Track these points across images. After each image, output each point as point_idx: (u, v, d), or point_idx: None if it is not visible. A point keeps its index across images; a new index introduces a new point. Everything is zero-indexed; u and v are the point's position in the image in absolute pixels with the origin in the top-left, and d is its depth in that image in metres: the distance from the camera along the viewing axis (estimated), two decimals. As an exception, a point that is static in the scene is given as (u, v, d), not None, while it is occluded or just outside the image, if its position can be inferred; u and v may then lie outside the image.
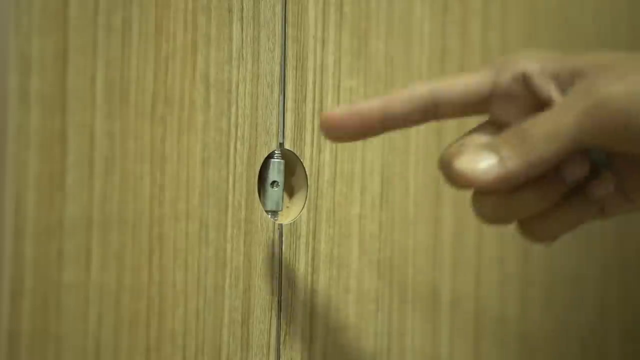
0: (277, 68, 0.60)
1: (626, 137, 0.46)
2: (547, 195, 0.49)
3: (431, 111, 0.51)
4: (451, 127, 0.69)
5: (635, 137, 0.46)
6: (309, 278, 0.62)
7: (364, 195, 0.64)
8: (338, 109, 0.51)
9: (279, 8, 0.60)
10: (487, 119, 0.52)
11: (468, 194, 0.69)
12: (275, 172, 0.60)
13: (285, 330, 0.60)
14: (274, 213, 0.60)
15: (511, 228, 0.70)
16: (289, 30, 0.61)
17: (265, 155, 0.60)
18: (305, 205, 0.62)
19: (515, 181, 0.47)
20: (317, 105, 0.62)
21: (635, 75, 0.47)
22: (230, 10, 0.58)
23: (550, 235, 0.51)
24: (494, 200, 0.49)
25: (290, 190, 0.62)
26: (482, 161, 0.47)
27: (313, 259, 0.62)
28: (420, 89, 0.51)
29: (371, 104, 0.51)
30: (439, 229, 0.68)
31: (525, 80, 0.50)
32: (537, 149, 0.47)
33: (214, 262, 0.57)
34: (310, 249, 0.62)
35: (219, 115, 0.58)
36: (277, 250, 0.60)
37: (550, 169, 0.48)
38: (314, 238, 0.62)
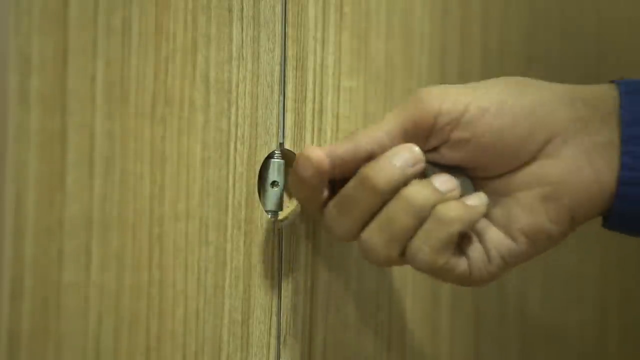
0: (277, 68, 0.60)
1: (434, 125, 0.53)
2: (379, 187, 0.53)
3: None
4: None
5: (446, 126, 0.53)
6: (309, 278, 0.62)
7: (364, 195, 0.64)
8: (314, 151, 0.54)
9: (279, 8, 0.60)
10: None
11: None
12: (275, 172, 0.60)
13: (285, 330, 0.60)
14: (274, 213, 0.60)
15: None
16: (289, 30, 0.61)
17: (265, 155, 0.60)
18: (305, 205, 0.62)
19: (333, 157, 0.53)
20: (317, 105, 0.62)
21: (451, 85, 0.55)
22: (230, 10, 0.58)
23: (384, 253, 0.54)
24: (333, 204, 0.55)
25: (290, 190, 0.62)
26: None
27: (313, 259, 0.62)
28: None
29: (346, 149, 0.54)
30: (439, 228, 0.68)
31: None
32: (355, 136, 0.54)
33: (214, 262, 0.57)
34: (310, 249, 0.62)
35: (219, 115, 0.58)
36: (277, 250, 0.60)
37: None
38: (314, 238, 0.62)
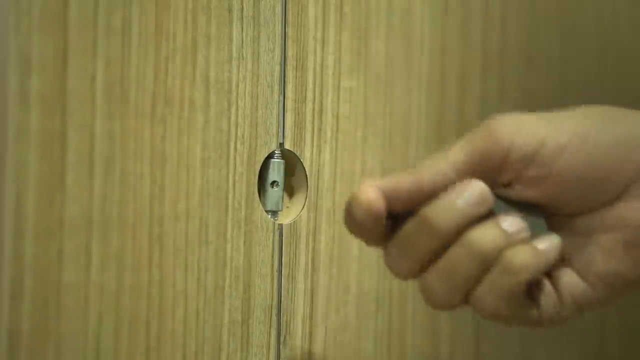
0: (277, 68, 0.60)
1: (508, 162, 0.48)
2: (441, 230, 0.48)
3: None
4: (451, 127, 0.69)
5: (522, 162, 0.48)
6: (309, 278, 0.62)
7: (364, 195, 0.64)
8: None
9: (279, 8, 0.60)
10: None
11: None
12: (275, 172, 0.60)
13: (285, 330, 0.60)
14: (274, 213, 0.60)
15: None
16: (289, 30, 0.61)
17: (265, 155, 0.60)
18: (305, 205, 0.62)
19: (393, 194, 0.48)
20: (317, 105, 0.62)
21: (525, 115, 0.49)
22: (230, 10, 0.58)
23: (447, 298, 0.49)
24: (393, 242, 0.50)
25: (290, 190, 0.62)
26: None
27: (313, 259, 0.62)
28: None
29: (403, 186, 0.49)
30: (439, 229, 0.68)
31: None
32: (419, 169, 0.49)
33: (214, 262, 0.57)
34: (310, 249, 0.62)
35: (219, 115, 0.58)
36: (277, 250, 0.60)
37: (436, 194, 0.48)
38: (314, 238, 0.62)
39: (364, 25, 0.64)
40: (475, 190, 0.48)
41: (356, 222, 0.49)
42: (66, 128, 0.52)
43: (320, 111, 0.62)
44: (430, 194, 0.48)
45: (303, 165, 0.61)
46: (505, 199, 0.49)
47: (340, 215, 0.63)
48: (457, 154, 0.48)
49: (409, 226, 0.49)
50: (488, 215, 0.48)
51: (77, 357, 0.52)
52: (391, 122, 0.66)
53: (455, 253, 0.48)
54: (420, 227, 0.48)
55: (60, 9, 0.52)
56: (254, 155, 0.59)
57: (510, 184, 0.49)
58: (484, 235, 0.47)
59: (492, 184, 0.48)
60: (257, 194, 0.59)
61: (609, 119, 0.50)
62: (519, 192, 0.49)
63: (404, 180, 0.49)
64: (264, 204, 0.60)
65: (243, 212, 0.59)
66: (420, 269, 0.49)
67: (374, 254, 0.65)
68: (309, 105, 0.62)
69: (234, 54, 0.58)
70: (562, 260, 0.50)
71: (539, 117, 0.49)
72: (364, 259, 0.64)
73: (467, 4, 0.70)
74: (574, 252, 0.50)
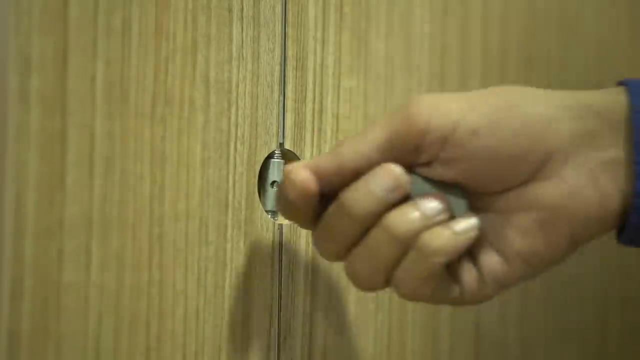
0: (277, 68, 0.60)
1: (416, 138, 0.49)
2: (359, 215, 0.49)
3: None
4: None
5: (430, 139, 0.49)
6: (309, 278, 0.62)
7: (364, 195, 0.64)
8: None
9: (279, 8, 0.60)
10: None
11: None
12: (275, 172, 0.60)
13: (285, 330, 0.60)
14: (274, 213, 0.60)
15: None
16: (289, 30, 0.61)
17: (265, 155, 0.60)
18: (305, 205, 0.62)
19: (318, 175, 0.50)
20: (317, 105, 0.62)
21: (441, 96, 0.50)
22: (230, 10, 0.58)
23: (369, 280, 0.51)
24: (319, 227, 0.51)
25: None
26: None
27: (313, 259, 0.62)
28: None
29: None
30: (439, 229, 0.68)
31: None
32: (340, 150, 0.50)
33: (214, 262, 0.57)
34: (310, 249, 0.62)
35: (219, 115, 0.58)
36: (277, 250, 0.60)
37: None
38: (314, 238, 0.62)
39: (364, 25, 0.64)
40: (390, 176, 0.49)
41: (289, 202, 0.50)
42: (66, 128, 0.52)
43: (320, 111, 0.62)
44: (352, 175, 0.50)
45: (303, 165, 0.61)
46: (428, 178, 0.50)
47: (340, 215, 0.63)
48: (377, 135, 0.50)
49: (330, 211, 0.50)
50: (408, 196, 0.50)
51: (77, 357, 0.52)
52: (391, 122, 0.65)
53: (375, 237, 0.49)
54: (340, 212, 0.50)
55: (60, 8, 0.52)
56: (254, 155, 0.59)
57: (429, 163, 0.50)
58: (402, 219, 0.49)
59: (413, 163, 0.50)
60: (257, 194, 0.59)
61: (520, 100, 0.50)
62: (438, 171, 0.50)
63: (326, 162, 0.50)
64: (264, 204, 0.60)
65: (243, 212, 0.59)
66: (344, 252, 0.51)
67: (374, 254, 0.65)
68: (309, 105, 0.62)
69: (234, 54, 0.58)
70: (482, 239, 0.51)
71: (454, 99, 0.50)
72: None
73: (467, 4, 0.70)
74: (493, 231, 0.51)
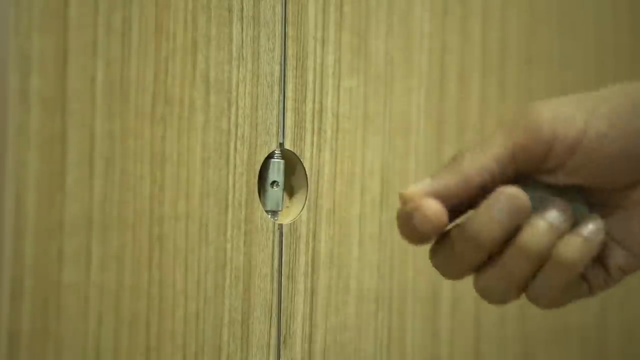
0: (277, 68, 0.60)
1: (540, 152, 0.48)
2: (485, 242, 0.49)
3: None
4: (451, 127, 0.69)
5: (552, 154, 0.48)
6: (309, 278, 0.62)
7: (364, 195, 0.64)
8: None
9: (279, 8, 0.60)
10: None
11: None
12: (275, 172, 0.60)
13: (285, 330, 0.60)
14: (274, 213, 0.60)
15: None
16: (289, 30, 0.61)
17: (265, 155, 0.60)
18: (305, 205, 0.62)
19: (444, 196, 0.49)
20: (317, 105, 0.62)
21: (561, 101, 0.49)
22: (230, 10, 0.58)
23: (504, 296, 0.50)
24: (439, 248, 0.50)
25: (290, 190, 0.62)
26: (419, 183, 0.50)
27: (313, 259, 0.62)
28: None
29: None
30: (439, 229, 0.68)
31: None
32: (463, 167, 0.49)
33: (214, 262, 0.57)
34: (310, 249, 0.61)
35: (219, 115, 0.58)
36: (277, 250, 0.60)
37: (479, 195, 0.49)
38: (314, 238, 0.62)
39: (364, 25, 0.64)
40: (512, 201, 0.48)
41: (417, 233, 0.49)
42: (66, 128, 0.52)
43: (320, 111, 0.62)
44: (477, 190, 0.49)
45: (303, 165, 0.61)
46: (545, 184, 0.50)
47: (340, 214, 0.63)
48: (498, 147, 0.49)
49: (453, 236, 0.49)
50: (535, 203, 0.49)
51: (77, 357, 0.52)
52: (391, 122, 0.66)
53: (509, 256, 0.49)
54: (464, 239, 0.49)
55: (60, 8, 0.52)
56: (254, 155, 0.59)
57: (553, 171, 0.49)
58: (533, 236, 0.48)
59: (535, 171, 0.49)
60: (257, 194, 0.59)
61: None
62: (561, 178, 0.50)
63: (449, 181, 0.49)
64: (264, 204, 0.60)
65: (243, 212, 0.59)
66: (468, 272, 0.50)
67: (374, 254, 0.65)
68: (309, 105, 0.62)
69: (234, 54, 0.58)
70: (605, 234, 0.51)
71: (575, 103, 0.50)
72: (364, 259, 0.64)
73: (467, 3, 0.70)
74: (616, 226, 0.51)
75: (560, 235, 0.49)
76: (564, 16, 0.76)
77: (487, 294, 0.51)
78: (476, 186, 0.49)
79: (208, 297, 0.57)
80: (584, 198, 0.51)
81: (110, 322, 0.53)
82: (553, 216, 0.49)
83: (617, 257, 0.51)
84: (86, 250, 0.53)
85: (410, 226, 0.49)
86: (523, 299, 0.75)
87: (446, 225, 0.49)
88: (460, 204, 0.49)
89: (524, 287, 0.50)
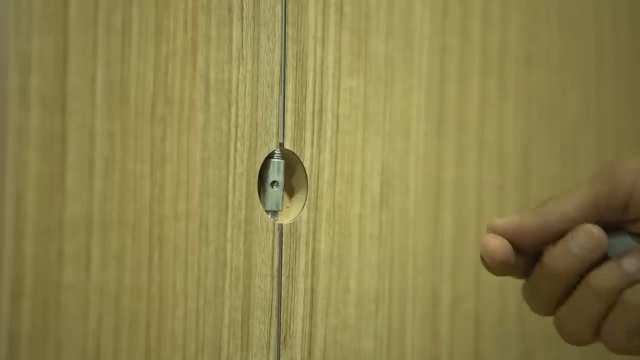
0: (277, 68, 0.60)
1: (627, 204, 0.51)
2: (560, 275, 0.52)
3: None
4: (451, 127, 0.69)
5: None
6: (309, 278, 0.62)
7: (364, 195, 0.64)
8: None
9: (279, 8, 0.60)
10: None
11: (468, 195, 0.70)
12: (275, 172, 0.60)
13: (285, 330, 0.60)
14: (274, 213, 0.60)
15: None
16: (289, 30, 0.61)
17: (265, 155, 0.60)
18: (305, 205, 0.62)
19: (521, 234, 0.52)
20: (317, 106, 0.62)
21: None
22: (230, 10, 0.58)
23: (578, 335, 0.53)
24: (526, 283, 0.54)
25: (290, 190, 0.62)
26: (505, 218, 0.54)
27: (313, 259, 0.62)
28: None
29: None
30: (439, 229, 0.68)
31: None
32: (544, 210, 0.52)
33: (214, 262, 0.57)
34: (310, 249, 0.62)
35: (219, 115, 0.58)
36: (277, 250, 0.60)
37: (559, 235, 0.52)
38: (314, 238, 0.62)
39: (364, 25, 0.64)
40: (589, 237, 0.51)
41: (488, 266, 0.53)
42: (66, 128, 0.52)
43: (320, 111, 0.62)
44: (555, 234, 0.52)
45: (303, 165, 0.61)
46: (629, 231, 0.53)
47: (340, 214, 0.63)
48: (582, 196, 0.52)
49: (535, 271, 0.53)
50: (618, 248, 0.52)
51: (77, 357, 0.52)
52: (391, 122, 0.66)
53: (579, 294, 0.52)
54: (542, 272, 0.52)
55: (60, 9, 0.52)
56: (254, 155, 0.59)
57: (635, 220, 0.52)
58: (605, 278, 0.51)
59: (620, 221, 0.52)
60: (257, 194, 0.59)
61: None
62: None
63: (531, 222, 0.52)
64: (264, 204, 0.60)
65: (243, 212, 0.59)
66: (551, 308, 0.53)
67: (374, 254, 0.65)
68: (309, 105, 0.62)
69: (234, 54, 0.58)
70: None
71: None
72: (364, 259, 0.64)
73: (467, 4, 0.70)
74: None
75: (631, 281, 0.51)
76: (563, 16, 0.76)
77: (563, 332, 0.54)
78: (557, 230, 0.52)
79: (208, 297, 0.57)
80: None
81: (110, 322, 0.53)
82: (628, 261, 0.51)
83: None
84: (86, 250, 0.53)
85: (481, 257, 0.53)
86: (516, 302, 0.75)
87: (509, 261, 0.52)
88: (542, 244, 0.53)
89: (595, 326, 0.52)
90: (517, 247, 0.53)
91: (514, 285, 0.69)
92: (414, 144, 0.67)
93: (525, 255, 0.53)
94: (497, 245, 0.52)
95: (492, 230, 0.53)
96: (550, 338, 0.75)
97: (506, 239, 0.52)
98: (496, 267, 0.53)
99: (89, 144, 0.53)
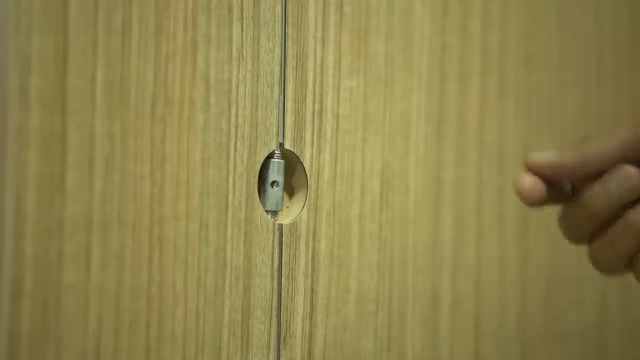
0: (277, 68, 0.60)
1: None
2: (597, 213, 0.53)
3: None
4: (451, 127, 0.69)
5: None
6: (309, 278, 0.62)
7: (364, 195, 0.64)
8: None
9: (279, 8, 0.60)
10: None
11: (468, 195, 0.70)
12: (275, 172, 0.60)
13: (285, 330, 0.60)
14: (274, 213, 0.60)
15: (508, 227, 0.70)
16: (289, 30, 0.61)
17: (265, 155, 0.60)
18: (305, 205, 0.62)
19: (559, 170, 0.53)
20: (317, 105, 0.62)
21: None
22: (230, 10, 0.58)
23: (611, 266, 0.54)
24: (564, 213, 0.55)
25: (290, 190, 0.62)
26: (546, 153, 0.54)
27: (313, 259, 0.62)
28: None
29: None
30: (439, 229, 0.68)
31: None
32: (584, 147, 0.53)
33: (214, 262, 0.57)
34: (310, 249, 0.62)
35: (219, 115, 0.58)
36: (277, 250, 0.60)
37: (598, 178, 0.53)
38: (314, 238, 0.62)
39: (364, 25, 0.64)
40: (629, 179, 0.52)
41: (520, 197, 0.54)
42: (66, 128, 0.52)
43: (320, 111, 0.62)
44: (594, 172, 0.53)
45: (303, 165, 0.61)
46: None
47: (340, 214, 0.63)
48: (623, 136, 0.53)
49: (573, 206, 0.54)
50: None
51: (77, 357, 0.52)
52: (391, 122, 0.66)
53: (616, 230, 0.53)
54: (580, 209, 0.53)
55: (60, 9, 0.52)
56: (254, 155, 0.59)
57: None
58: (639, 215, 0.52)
59: None
60: (257, 194, 0.59)
61: None
62: None
63: (570, 160, 0.53)
64: (264, 204, 0.60)
65: (243, 212, 0.59)
66: (586, 239, 0.54)
67: (374, 254, 0.65)
68: (309, 105, 0.62)
69: (234, 54, 0.58)
70: None
71: None
72: (364, 259, 0.64)
73: (467, 4, 0.70)
74: None
75: None
76: (563, 16, 0.76)
77: (595, 263, 0.55)
78: (592, 167, 0.53)
79: (208, 297, 0.57)
80: None
81: (110, 322, 0.53)
82: None
83: None
84: (86, 250, 0.53)
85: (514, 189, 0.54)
86: (523, 299, 0.75)
87: (542, 200, 0.53)
88: (578, 178, 0.54)
89: (627, 259, 0.53)
90: (552, 181, 0.54)
91: (514, 285, 0.69)
92: (414, 144, 0.67)
93: (560, 187, 0.54)
94: (531, 185, 0.53)
95: (530, 165, 0.53)
96: (550, 339, 0.76)
97: (543, 173, 0.53)
98: (529, 204, 0.54)
99: (89, 144, 0.53)
